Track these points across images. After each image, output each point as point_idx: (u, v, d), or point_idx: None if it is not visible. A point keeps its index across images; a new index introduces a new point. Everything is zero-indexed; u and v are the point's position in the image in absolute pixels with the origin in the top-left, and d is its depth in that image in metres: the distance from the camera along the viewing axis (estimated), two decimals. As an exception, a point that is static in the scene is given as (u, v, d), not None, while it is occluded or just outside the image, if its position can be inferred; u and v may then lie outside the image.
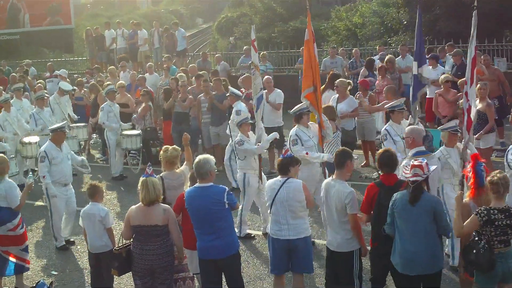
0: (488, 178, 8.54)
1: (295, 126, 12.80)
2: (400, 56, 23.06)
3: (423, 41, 12.40)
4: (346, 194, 9.23)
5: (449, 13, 29.83)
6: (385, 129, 12.96)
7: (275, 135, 13.69)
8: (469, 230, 8.41)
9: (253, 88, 13.65)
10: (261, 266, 11.92)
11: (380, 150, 9.74)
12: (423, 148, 10.90)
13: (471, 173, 8.74)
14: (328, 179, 9.71)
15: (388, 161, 9.33)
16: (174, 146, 11.39)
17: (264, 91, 13.85)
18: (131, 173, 18.96)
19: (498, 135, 17.56)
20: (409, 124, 12.15)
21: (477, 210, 8.39)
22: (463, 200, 8.93)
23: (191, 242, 9.89)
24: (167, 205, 9.83)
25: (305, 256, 9.85)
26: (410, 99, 13.40)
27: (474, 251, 8.31)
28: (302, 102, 12.92)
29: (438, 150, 11.44)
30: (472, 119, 11.71)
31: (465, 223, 8.40)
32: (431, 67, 19.33)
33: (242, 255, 11.29)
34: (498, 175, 8.50)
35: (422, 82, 12.94)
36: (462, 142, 11.55)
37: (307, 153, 12.34)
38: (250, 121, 13.66)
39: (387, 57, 21.27)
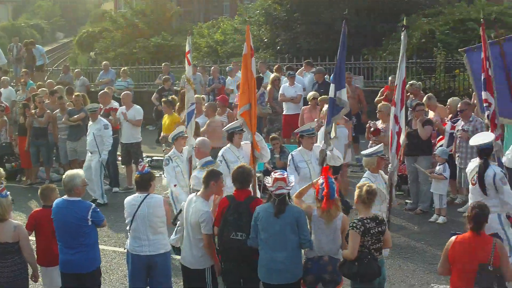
0: (364, 189, 8.75)
1: (227, 145, 12.37)
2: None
3: (344, 63, 11.88)
4: (202, 213, 9.26)
5: (309, 31, 30.54)
6: (291, 154, 12.18)
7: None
8: (356, 246, 8.48)
9: (185, 102, 13.17)
10: (117, 282, 11.80)
11: (236, 167, 9.80)
12: (209, 158, 11.34)
13: (323, 185, 8.87)
14: (192, 195, 9.72)
15: (239, 177, 9.37)
16: None
17: (193, 105, 13.11)
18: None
19: (354, 151, 18.09)
20: (321, 150, 11.72)
21: (350, 224, 8.56)
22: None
23: (44, 259, 9.81)
24: (19, 222, 9.63)
25: (164, 272, 9.79)
26: (325, 122, 12.27)
27: (356, 263, 8.46)
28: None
29: (363, 177, 11.03)
30: (401, 142, 11.93)
31: (349, 244, 8.52)
32: (288, 84, 19.76)
33: (98, 272, 11.23)
34: (367, 186, 8.81)
35: (339, 105, 11.72)
36: (389, 167, 11.72)
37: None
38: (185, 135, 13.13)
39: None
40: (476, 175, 10.65)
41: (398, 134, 11.73)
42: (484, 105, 12.08)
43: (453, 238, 8.24)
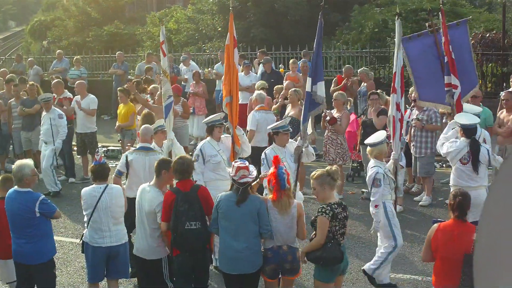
0: (326, 172, 8.73)
1: (206, 139, 11.98)
2: (220, 62, 23.57)
3: (321, 56, 11.80)
4: (158, 202, 9.28)
5: (262, 21, 30.61)
6: (264, 153, 11.69)
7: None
8: (325, 232, 8.49)
9: (162, 94, 12.68)
10: (75, 274, 11.73)
11: (175, 158, 9.80)
12: (148, 144, 11.43)
13: (272, 176, 8.91)
14: (145, 185, 9.70)
15: (180, 168, 9.32)
16: None
17: (170, 98, 12.60)
18: None
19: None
20: (297, 147, 11.58)
21: (319, 209, 8.55)
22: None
23: (1, 250, 9.79)
24: None
25: (123, 261, 9.83)
26: (301, 118, 12.00)
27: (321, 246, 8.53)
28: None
29: (374, 166, 10.64)
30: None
31: (318, 230, 8.52)
32: (243, 73, 19.84)
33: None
34: (329, 170, 8.82)
35: (316, 101, 11.50)
36: (392, 154, 11.59)
37: None
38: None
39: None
40: (469, 154, 10.98)
41: (401, 121, 11.79)
42: (446, 89, 12.35)
43: (435, 225, 8.28)
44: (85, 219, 9.72)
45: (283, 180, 8.82)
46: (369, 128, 14.62)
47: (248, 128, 15.08)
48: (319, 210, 8.57)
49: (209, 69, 25.77)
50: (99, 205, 9.50)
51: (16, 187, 9.42)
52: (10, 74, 21.48)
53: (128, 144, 15.53)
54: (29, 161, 9.70)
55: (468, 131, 11.14)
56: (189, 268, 9.28)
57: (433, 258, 8.34)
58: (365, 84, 18.36)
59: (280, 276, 9.11)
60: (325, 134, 15.15)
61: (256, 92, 16.23)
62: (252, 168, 9.03)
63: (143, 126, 11.96)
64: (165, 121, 12.44)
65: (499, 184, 3.61)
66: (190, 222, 8.98)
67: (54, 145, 16.36)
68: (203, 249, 9.19)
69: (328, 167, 9.01)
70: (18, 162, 9.64)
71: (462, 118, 11.41)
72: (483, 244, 3.82)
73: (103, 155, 10.77)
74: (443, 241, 8.05)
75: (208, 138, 11.91)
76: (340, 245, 8.71)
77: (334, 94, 15.95)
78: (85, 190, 9.78)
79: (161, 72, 12.71)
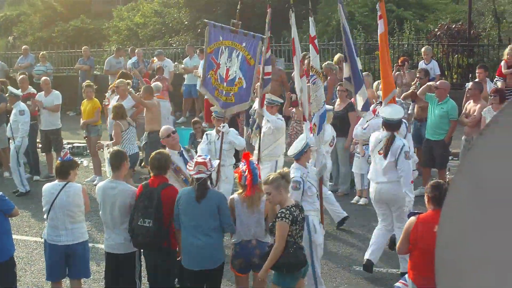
0: (279, 174, 8.58)
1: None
2: (188, 57, 23.69)
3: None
4: (131, 194, 9.19)
5: (229, 13, 30.52)
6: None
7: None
8: (285, 237, 8.30)
9: (315, 100, 11.13)
10: (39, 274, 11.56)
11: (153, 153, 9.69)
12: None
13: (246, 172, 8.87)
14: (106, 181, 9.58)
15: (156, 163, 9.26)
16: None
17: (326, 106, 11.75)
18: None
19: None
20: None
21: (278, 214, 8.33)
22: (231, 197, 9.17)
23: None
24: None
25: (82, 261, 9.72)
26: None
27: (282, 252, 8.31)
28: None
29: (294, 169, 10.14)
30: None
31: (277, 235, 8.29)
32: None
33: (18, 263, 11.06)
34: (283, 172, 8.70)
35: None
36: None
37: None
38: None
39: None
40: (385, 145, 10.89)
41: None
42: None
43: (413, 218, 8.20)
44: (45, 216, 9.63)
45: (256, 175, 8.81)
46: (335, 120, 14.57)
47: None
48: (278, 215, 8.33)
49: (176, 63, 25.64)
50: (56, 202, 9.40)
51: None
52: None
53: (98, 142, 15.50)
54: None
55: (389, 125, 11.01)
56: (150, 265, 9.29)
57: (409, 250, 8.32)
58: (330, 77, 18.28)
59: (251, 271, 9.06)
60: (290, 125, 15.10)
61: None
62: (214, 163, 8.95)
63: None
64: (317, 136, 11.21)
65: (460, 176, 3.56)
66: (144, 219, 8.88)
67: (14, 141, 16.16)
68: (155, 248, 9.08)
69: (280, 170, 8.92)
70: None
71: (385, 112, 11.32)
72: (445, 238, 3.78)
73: (69, 151, 10.57)
74: (423, 233, 7.98)
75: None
76: (302, 248, 8.65)
77: None
78: (45, 186, 9.70)
79: (314, 73, 11.31)
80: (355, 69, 11.66)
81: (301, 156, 10.01)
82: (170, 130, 11.00)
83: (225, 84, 11.78)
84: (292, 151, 10.10)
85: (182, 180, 10.27)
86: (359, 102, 11.91)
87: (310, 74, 11.03)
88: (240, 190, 8.92)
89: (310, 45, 11.22)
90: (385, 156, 10.79)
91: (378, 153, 11.01)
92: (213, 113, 12.92)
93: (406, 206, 10.55)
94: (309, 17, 11.89)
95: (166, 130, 11.02)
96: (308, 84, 11.07)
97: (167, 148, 10.56)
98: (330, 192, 13.25)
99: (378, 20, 11.96)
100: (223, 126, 12.08)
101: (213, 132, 12.64)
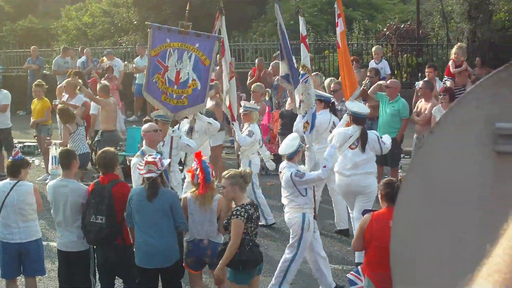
0: (240, 173, 8.65)
1: None
2: (139, 56, 23.70)
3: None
4: (83, 192, 9.21)
5: (178, 13, 30.45)
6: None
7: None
8: (240, 234, 8.33)
9: (306, 99, 11.09)
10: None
11: (99, 152, 9.71)
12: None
13: (198, 171, 8.91)
14: (56, 180, 9.56)
15: (102, 162, 9.32)
16: None
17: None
18: None
19: (228, 133, 18.17)
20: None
21: (233, 212, 8.38)
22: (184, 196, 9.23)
23: None
24: None
25: (36, 259, 9.70)
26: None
27: (238, 250, 8.34)
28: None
29: (285, 167, 10.19)
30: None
31: (232, 233, 8.33)
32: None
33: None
34: (243, 172, 8.78)
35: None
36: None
37: None
38: None
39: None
40: (357, 140, 11.26)
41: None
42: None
43: (367, 216, 8.33)
44: None
45: (208, 174, 8.86)
46: (287, 119, 14.69)
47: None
48: (233, 213, 8.40)
49: (126, 62, 25.57)
50: (7, 201, 9.40)
51: None
52: None
53: (47, 138, 15.36)
54: None
55: (358, 119, 11.36)
56: (103, 261, 9.30)
57: (364, 247, 8.45)
58: (278, 77, 18.42)
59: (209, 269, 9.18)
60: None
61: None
62: (165, 162, 8.97)
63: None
64: (308, 135, 11.34)
65: (412, 173, 3.64)
66: (97, 216, 8.92)
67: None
68: (109, 244, 9.12)
69: (242, 169, 8.98)
70: None
71: (354, 107, 11.67)
72: (399, 234, 3.87)
73: (20, 151, 10.52)
74: (378, 230, 8.08)
75: None
76: (258, 246, 8.72)
77: (253, 86, 16.03)
78: None
79: (305, 71, 11.35)
80: (292, 67, 11.78)
81: (295, 155, 10.16)
82: (156, 127, 10.98)
83: (175, 87, 11.47)
84: (286, 150, 10.17)
85: None
86: (297, 99, 12.08)
87: (302, 72, 11.12)
88: (193, 189, 8.96)
89: (302, 44, 11.39)
90: (363, 150, 11.20)
91: (349, 148, 11.30)
92: (154, 117, 12.30)
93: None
94: (299, 16, 11.89)
95: (152, 125, 11.02)
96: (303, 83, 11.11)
97: (144, 146, 10.57)
98: None
99: (337, 18, 12.13)
100: (173, 131, 11.90)
101: None
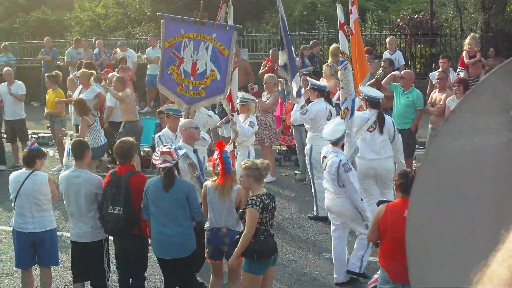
0: (256, 165, 8.65)
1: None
2: (151, 47, 23.79)
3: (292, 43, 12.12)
4: (96, 182, 9.24)
5: (190, 4, 30.48)
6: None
7: None
8: (255, 224, 8.36)
9: (346, 85, 11.37)
10: (9, 262, 11.53)
11: (117, 142, 9.73)
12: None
13: (218, 160, 8.92)
14: (70, 170, 9.60)
15: (120, 152, 9.34)
16: None
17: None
18: None
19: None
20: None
21: (248, 201, 8.42)
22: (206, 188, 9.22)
23: None
24: None
25: (51, 249, 9.74)
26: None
27: (253, 240, 8.35)
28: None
29: (332, 153, 10.23)
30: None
31: (247, 222, 8.35)
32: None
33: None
34: (262, 162, 8.78)
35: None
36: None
37: None
38: None
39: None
40: (375, 123, 11.47)
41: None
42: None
43: (382, 206, 8.34)
44: (12, 204, 9.67)
45: (229, 164, 8.89)
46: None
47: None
48: (249, 202, 8.43)
49: (139, 53, 25.58)
50: (22, 190, 9.44)
51: None
52: None
53: (63, 129, 15.41)
54: None
55: (374, 103, 11.54)
56: (121, 251, 9.35)
57: (379, 238, 8.45)
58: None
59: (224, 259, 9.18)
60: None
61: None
62: (179, 153, 8.96)
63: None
64: (348, 120, 11.52)
65: (426, 162, 3.63)
66: (114, 207, 8.95)
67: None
68: (127, 235, 9.15)
69: (260, 161, 8.91)
70: None
71: (370, 91, 11.83)
72: (413, 225, 3.86)
73: (36, 141, 10.58)
74: (393, 221, 8.07)
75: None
76: (273, 236, 8.73)
77: (265, 76, 16.01)
78: (12, 174, 9.78)
79: (344, 58, 11.52)
80: (291, 57, 11.80)
81: (340, 140, 10.33)
82: (195, 124, 10.87)
83: (191, 78, 11.37)
84: (332, 135, 10.26)
85: (196, 177, 10.11)
86: (294, 88, 12.07)
87: (341, 59, 11.28)
88: (214, 178, 9.01)
89: (340, 31, 11.47)
90: (381, 132, 11.40)
91: (367, 131, 11.44)
92: (165, 111, 12.41)
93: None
94: (337, 4, 11.96)
95: (192, 122, 10.88)
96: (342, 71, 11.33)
97: (180, 142, 10.46)
98: None
99: (351, 6, 12.07)
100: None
101: (167, 131, 12.05)
